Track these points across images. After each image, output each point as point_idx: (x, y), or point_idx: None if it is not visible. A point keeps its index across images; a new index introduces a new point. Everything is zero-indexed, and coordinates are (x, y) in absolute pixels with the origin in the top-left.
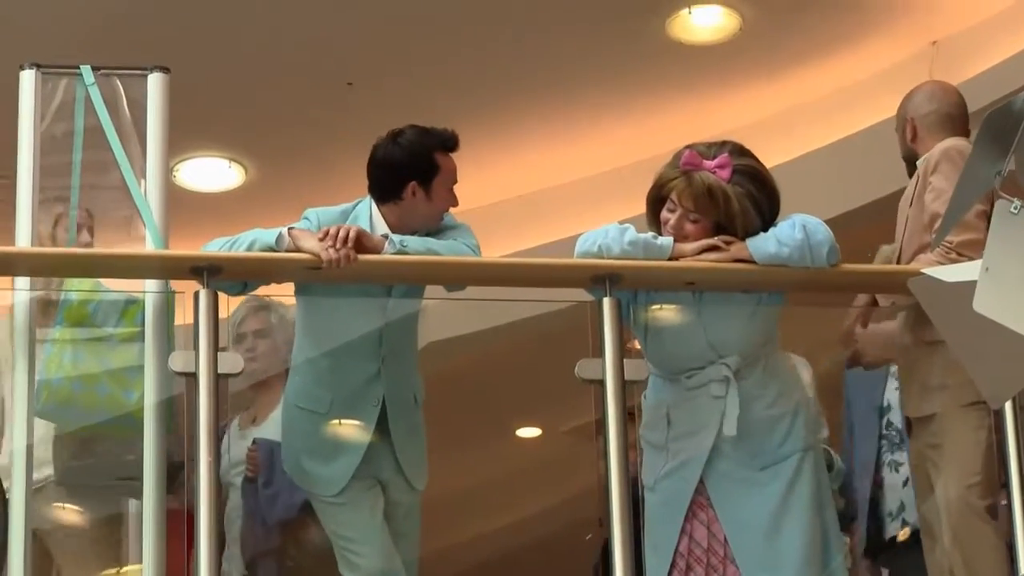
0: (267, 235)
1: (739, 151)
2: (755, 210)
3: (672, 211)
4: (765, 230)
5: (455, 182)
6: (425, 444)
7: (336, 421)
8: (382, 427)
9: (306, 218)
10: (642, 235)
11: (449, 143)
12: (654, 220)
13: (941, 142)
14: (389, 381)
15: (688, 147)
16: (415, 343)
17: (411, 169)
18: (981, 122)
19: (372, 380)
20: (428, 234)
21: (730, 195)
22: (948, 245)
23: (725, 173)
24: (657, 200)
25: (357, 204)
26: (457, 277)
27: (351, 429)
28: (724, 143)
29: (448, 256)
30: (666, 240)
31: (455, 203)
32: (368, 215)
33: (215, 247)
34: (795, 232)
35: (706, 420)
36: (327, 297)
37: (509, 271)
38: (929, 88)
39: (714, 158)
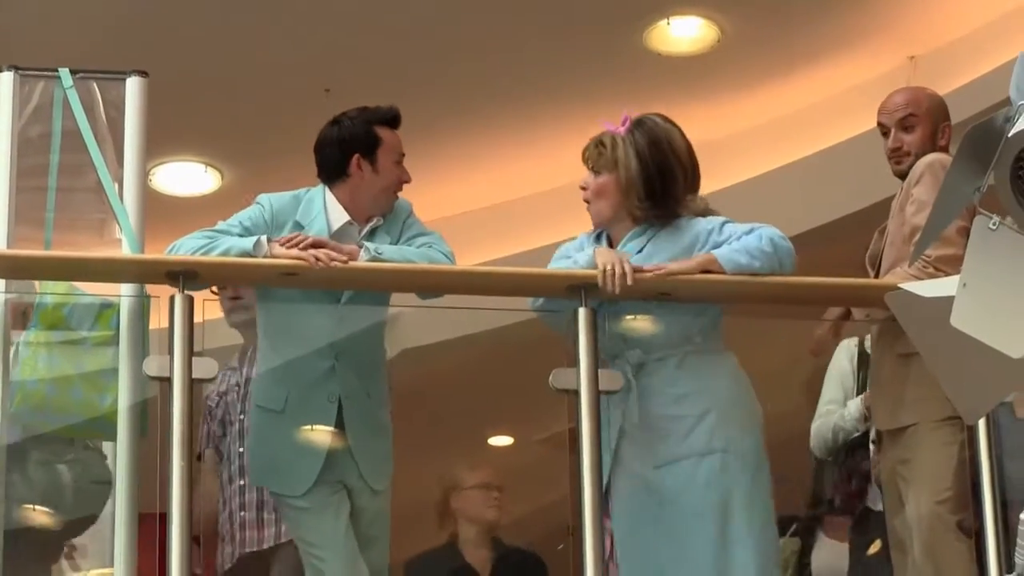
0: (244, 242)
1: (651, 118)
2: (636, 158)
3: None
4: (651, 180)
5: (402, 155)
6: (390, 445)
7: (294, 420)
8: (341, 427)
9: (259, 203)
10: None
11: (388, 117)
12: None
13: (927, 155)
14: (345, 378)
15: None
16: (377, 342)
17: (352, 142)
18: (961, 137)
19: (326, 377)
20: (399, 239)
21: (616, 142)
22: (926, 259)
23: (622, 130)
24: None
25: (309, 190)
26: (433, 285)
27: (311, 429)
28: None
29: (424, 264)
30: (584, 256)
31: (406, 177)
32: (322, 200)
33: (188, 247)
34: (763, 244)
35: (609, 411)
36: (280, 300)
37: (485, 280)
38: (940, 96)
39: None
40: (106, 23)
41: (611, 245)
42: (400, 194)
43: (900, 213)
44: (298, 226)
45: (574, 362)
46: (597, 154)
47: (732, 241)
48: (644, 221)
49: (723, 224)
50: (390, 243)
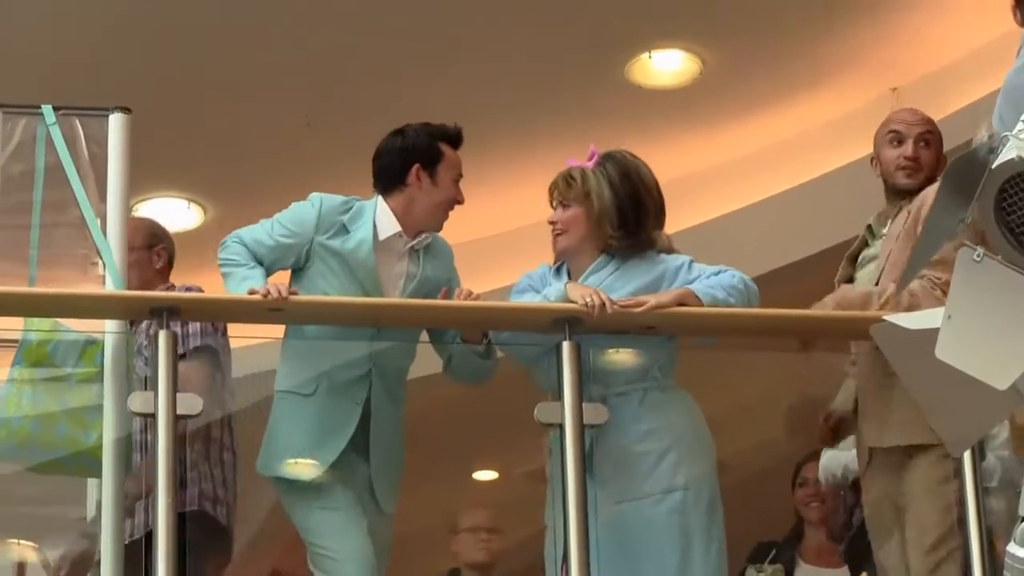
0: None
1: (619, 151)
2: (607, 183)
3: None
4: (624, 210)
5: (460, 174)
6: (400, 469)
7: (322, 404)
8: (365, 434)
9: (311, 203)
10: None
11: (452, 134)
12: None
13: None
14: (376, 387)
15: None
16: (408, 362)
17: (415, 152)
18: (946, 169)
19: (360, 380)
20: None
21: (587, 175)
22: (935, 281)
23: (590, 164)
24: None
25: (360, 198)
26: (419, 320)
27: (336, 415)
28: None
29: (406, 300)
30: (553, 291)
31: (460, 198)
32: (373, 208)
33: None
34: (736, 283)
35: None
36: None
37: (469, 314)
38: None
39: None
40: (88, 59)
41: (570, 277)
42: None
43: (907, 239)
44: (344, 229)
45: (557, 396)
46: (566, 187)
47: (703, 279)
48: (610, 252)
49: (691, 263)
50: (436, 275)
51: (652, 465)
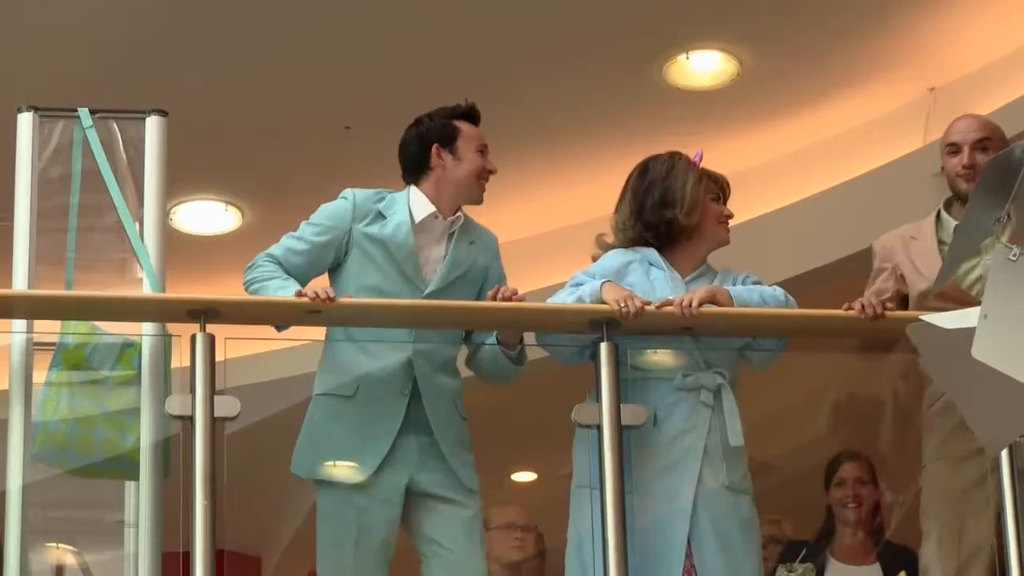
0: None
1: None
2: (630, 191)
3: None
4: (642, 211)
5: (483, 144)
6: (466, 445)
7: (364, 407)
8: (414, 420)
9: (344, 197)
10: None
11: (466, 111)
12: (651, 227)
13: None
14: (421, 372)
15: None
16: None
17: (430, 134)
18: (982, 169)
19: (402, 369)
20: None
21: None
22: None
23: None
24: (662, 204)
25: (390, 192)
26: (456, 322)
27: (380, 414)
28: None
29: (444, 301)
30: (593, 285)
31: (490, 166)
32: (405, 199)
33: (248, 277)
34: (777, 294)
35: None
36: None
37: (507, 315)
38: None
39: None
40: (125, 62)
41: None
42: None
43: None
44: (380, 216)
45: (597, 397)
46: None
47: (746, 284)
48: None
49: (747, 276)
50: (475, 259)
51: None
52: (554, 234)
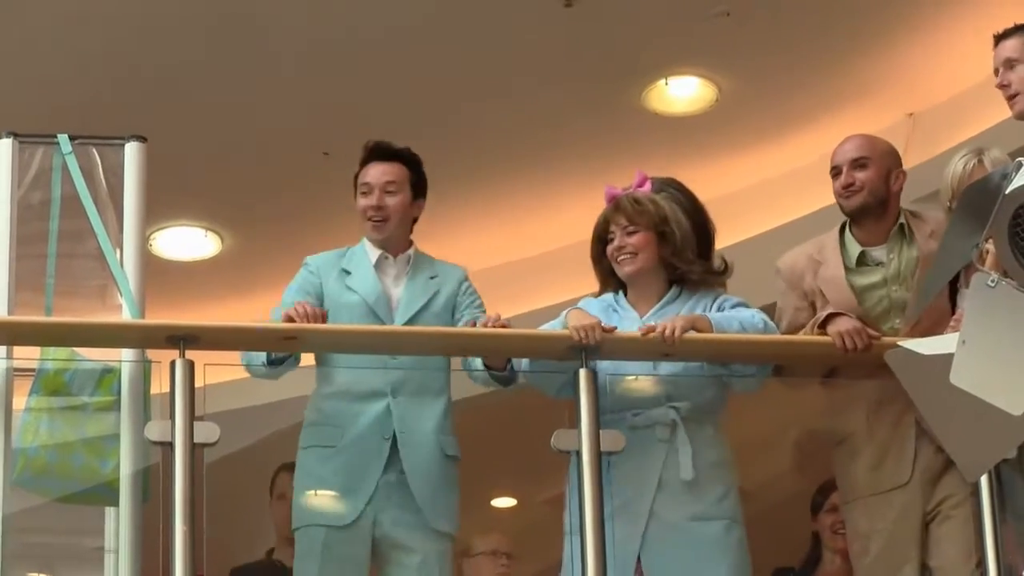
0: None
1: (673, 179)
2: (681, 210)
3: (612, 240)
4: (699, 236)
5: (364, 184)
6: (452, 486)
7: (348, 456)
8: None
9: (305, 264)
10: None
11: (366, 153)
12: (603, 276)
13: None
14: (400, 416)
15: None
16: (440, 387)
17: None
18: (959, 196)
19: (382, 416)
20: (454, 304)
21: (656, 198)
22: None
23: (646, 187)
24: (602, 252)
25: (348, 248)
26: (436, 347)
27: (362, 459)
28: None
29: (427, 328)
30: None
31: (369, 204)
32: (363, 251)
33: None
34: (755, 320)
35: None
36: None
37: (486, 341)
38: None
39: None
40: (104, 89)
41: (630, 304)
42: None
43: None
44: (344, 272)
45: (575, 423)
46: (636, 211)
47: (725, 310)
48: (679, 283)
49: (726, 299)
50: (430, 299)
51: (723, 493)
52: (536, 260)
